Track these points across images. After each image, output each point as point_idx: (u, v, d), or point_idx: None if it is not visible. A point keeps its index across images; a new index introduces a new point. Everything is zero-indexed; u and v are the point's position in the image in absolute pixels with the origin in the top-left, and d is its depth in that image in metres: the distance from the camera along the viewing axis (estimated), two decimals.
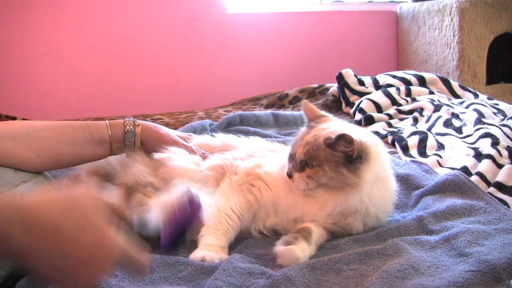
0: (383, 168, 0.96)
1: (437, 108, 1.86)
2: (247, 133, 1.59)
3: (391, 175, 1.00)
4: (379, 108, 2.00)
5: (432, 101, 1.94)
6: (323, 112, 1.02)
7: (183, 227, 0.80)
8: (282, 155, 1.01)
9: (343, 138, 0.86)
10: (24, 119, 1.85)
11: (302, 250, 0.84)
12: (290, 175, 0.92)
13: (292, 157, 0.93)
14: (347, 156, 0.88)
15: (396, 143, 1.59)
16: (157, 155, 1.06)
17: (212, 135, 1.24)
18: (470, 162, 1.33)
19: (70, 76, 2.85)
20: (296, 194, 0.91)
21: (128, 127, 1.07)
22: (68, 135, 1.03)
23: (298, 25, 3.27)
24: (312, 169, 0.89)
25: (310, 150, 0.90)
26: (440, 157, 1.42)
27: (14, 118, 2.06)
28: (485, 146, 1.37)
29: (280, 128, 1.77)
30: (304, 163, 0.90)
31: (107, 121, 1.09)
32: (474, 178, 1.22)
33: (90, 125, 1.06)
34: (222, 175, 1.01)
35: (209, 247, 0.86)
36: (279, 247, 0.84)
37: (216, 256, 0.85)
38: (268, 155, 1.05)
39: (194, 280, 0.80)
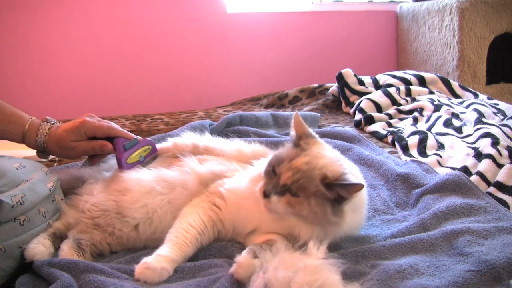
0: (361, 195, 0.91)
1: (437, 108, 1.86)
2: (247, 133, 1.59)
3: (364, 195, 0.96)
4: (379, 108, 2.00)
5: (432, 101, 1.94)
6: (311, 131, 0.95)
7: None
8: (252, 169, 0.97)
9: (354, 187, 0.82)
10: None
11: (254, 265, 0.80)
12: (267, 195, 0.85)
13: (271, 175, 0.87)
14: (338, 197, 0.84)
15: (396, 143, 1.59)
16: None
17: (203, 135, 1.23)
18: (470, 162, 1.33)
19: (70, 76, 2.85)
20: (265, 211, 0.86)
21: (39, 137, 1.06)
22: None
23: (298, 25, 3.26)
24: (295, 198, 0.83)
25: (301, 179, 0.83)
26: (440, 156, 1.42)
27: None
28: (485, 146, 1.37)
29: (280, 128, 1.77)
30: (287, 189, 0.84)
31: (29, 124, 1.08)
32: (474, 178, 1.23)
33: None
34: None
35: (159, 257, 0.84)
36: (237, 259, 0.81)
37: (158, 266, 0.81)
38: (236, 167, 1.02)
39: None
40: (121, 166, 1.05)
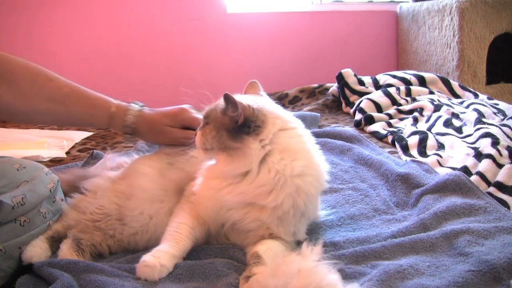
0: (293, 139, 0.90)
1: (437, 108, 1.86)
2: None
3: (310, 151, 0.92)
4: (379, 108, 2.00)
5: (432, 101, 1.94)
6: (262, 92, 1.03)
7: None
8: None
9: (229, 101, 0.86)
10: None
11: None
12: (196, 134, 0.94)
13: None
14: (233, 123, 0.87)
15: (396, 143, 1.59)
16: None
17: None
18: (470, 162, 1.33)
19: (69, 76, 2.83)
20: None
21: (129, 117, 1.05)
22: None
23: (298, 25, 3.26)
24: (206, 126, 0.91)
25: (210, 110, 0.92)
26: (440, 156, 1.43)
27: None
28: (485, 145, 1.37)
29: None
30: (204, 123, 0.92)
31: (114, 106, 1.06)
32: (474, 178, 1.22)
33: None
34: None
35: (159, 253, 0.84)
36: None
37: (157, 262, 0.82)
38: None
39: None
40: None
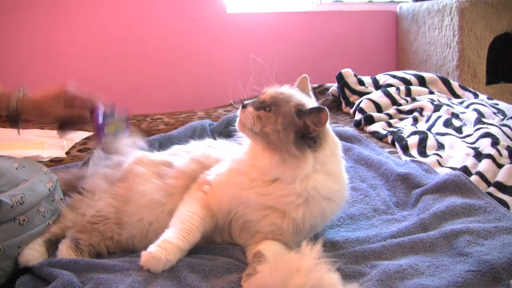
0: (336, 165, 0.93)
1: (437, 108, 1.86)
2: None
3: (344, 179, 0.95)
4: (379, 108, 2.00)
5: (432, 101, 1.94)
6: (310, 93, 1.02)
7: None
8: (235, 151, 0.98)
9: (319, 113, 0.85)
10: None
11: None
12: (244, 106, 0.91)
13: (254, 102, 0.93)
14: (304, 130, 0.86)
15: (396, 143, 1.59)
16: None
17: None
18: (470, 162, 1.33)
19: (71, 76, 2.84)
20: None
21: (12, 102, 1.05)
22: None
23: (298, 25, 3.26)
24: (267, 112, 0.88)
25: (279, 98, 0.89)
26: (440, 156, 1.42)
27: None
28: (485, 145, 1.37)
29: None
30: (264, 107, 0.89)
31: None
32: (474, 178, 1.22)
33: None
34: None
35: (166, 244, 0.83)
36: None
37: (164, 255, 0.82)
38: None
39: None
40: (99, 137, 1.08)
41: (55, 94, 1.06)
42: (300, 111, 0.86)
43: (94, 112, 1.10)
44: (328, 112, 0.85)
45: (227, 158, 0.97)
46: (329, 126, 0.92)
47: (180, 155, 1.06)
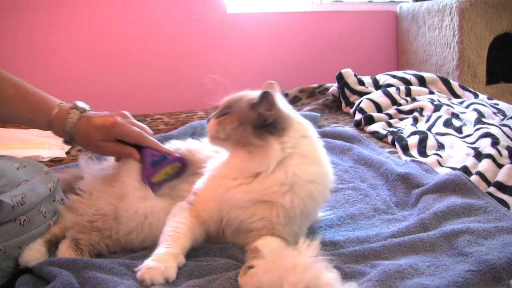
0: (310, 147, 0.92)
1: (437, 108, 1.86)
2: None
3: (323, 160, 0.94)
4: (379, 108, 2.00)
5: (432, 101, 1.94)
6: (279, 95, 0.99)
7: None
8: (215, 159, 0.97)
9: (266, 97, 0.86)
10: None
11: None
12: (208, 121, 0.94)
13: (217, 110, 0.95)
14: (261, 120, 0.87)
15: (396, 143, 1.59)
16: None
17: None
18: (470, 162, 1.33)
19: (70, 76, 2.85)
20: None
21: (67, 126, 1.00)
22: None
23: (298, 25, 3.26)
24: (225, 115, 0.91)
25: (233, 100, 0.92)
26: (440, 156, 1.42)
27: None
28: (485, 145, 1.37)
29: None
30: (222, 114, 0.92)
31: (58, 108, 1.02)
32: (474, 178, 1.22)
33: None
34: None
35: (159, 256, 0.82)
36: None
37: (161, 265, 0.80)
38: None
39: None
40: (145, 184, 0.99)
41: (106, 127, 1.00)
42: (252, 104, 0.88)
43: (144, 155, 1.01)
44: (273, 93, 0.86)
45: (207, 168, 0.97)
46: (289, 109, 0.93)
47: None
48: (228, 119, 0.90)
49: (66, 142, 1.05)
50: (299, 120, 0.94)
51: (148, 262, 0.80)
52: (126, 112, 1.05)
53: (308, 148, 0.91)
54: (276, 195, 0.87)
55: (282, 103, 0.92)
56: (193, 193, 0.95)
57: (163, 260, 0.81)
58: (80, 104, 1.04)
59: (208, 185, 0.93)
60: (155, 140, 1.04)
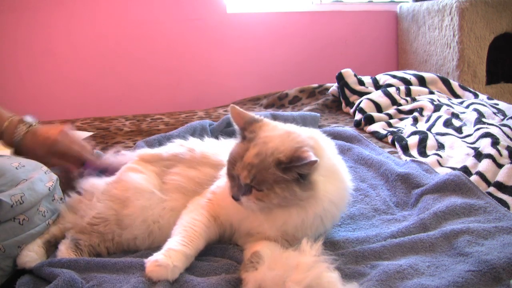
0: (328, 159, 0.88)
1: (437, 108, 1.86)
2: None
3: (339, 162, 0.93)
4: (379, 108, 2.00)
5: (432, 101, 1.94)
6: (254, 115, 0.91)
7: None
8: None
9: (310, 164, 0.78)
10: None
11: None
12: (236, 199, 0.83)
13: (233, 177, 0.84)
14: (301, 175, 0.80)
15: (396, 143, 1.59)
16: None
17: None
18: (470, 162, 1.33)
19: (70, 76, 2.85)
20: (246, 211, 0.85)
21: (16, 138, 1.08)
22: None
23: (298, 25, 3.26)
24: (261, 192, 0.81)
25: (257, 174, 0.80)
26: (440, 156, 1.42)
27: None
28: (485, 145, 1.37)
29: None
30: (251, 186, 0.81)
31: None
32: (474, 178, 1.22)
33: None
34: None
35: (171, 252, 0.80)
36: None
37: (170, 261, 0.78)
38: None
39: None
40: None
41: (46, 145, 1.09)
42: (285, 168, 0.79)
43: (87, 169, 1.12)
44: (301, 155, 0.79)
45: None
46: (316, 138, 0.88)
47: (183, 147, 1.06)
48: (271, 195, 0.81)
49: (15, 153, 1.11)
50: (315, 138, 0.88)
51: (158, 257, 0.79)
52: (67, 129, 1.13)
53: (330, 163, 0.88)
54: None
55: (308, 137, 0.85)
56: (210, 190, 0.94)
57: (173, 258, 0.79)
58: (28, 118, 1.12)
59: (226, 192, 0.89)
60: (92, 157, 1.15)
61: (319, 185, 0.83)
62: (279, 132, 0.85)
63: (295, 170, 0.79)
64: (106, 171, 1.11)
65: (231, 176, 0.84)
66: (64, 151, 1.11)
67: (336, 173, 0.90)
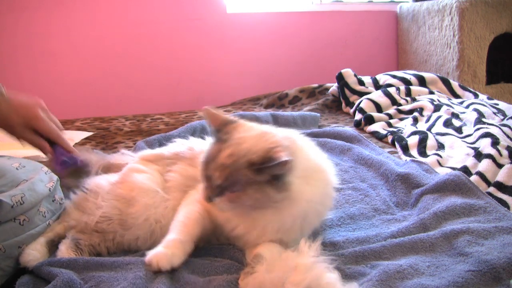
0: (306, 159, 0.85)
1: (437, 108, 1.86)
2: None
3: (321, 160, 0.90)
4: (379, 108, 2.00)
5: (432, 101, 1.94)
6: (229, 116, 0.89)
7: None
8: None
9: (283, 164, 0.76)
10: None
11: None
12: (211, 200, 0.82)
13: (206, 177, 0.82)
14: (276, 176, 0.78)
15: (396, 143, 1.59)
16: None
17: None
18: (470, 162, 1.33)
19: (70, 76, 2.85)
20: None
21: None
22: None
23: (298, 25, 3.26)
24: (233, 193, 0.79)
25: (229, 175, 0.78)
26: (440, 156, 1.42)
27: None
28: (485, 145, 1.37)
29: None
30: (223, 187, 0.80)
31: None
32: (474, 178, 1.22)
33: None
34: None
35: (168, 242, 0.82)
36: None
37: (169, 251, 0.81)
38: None
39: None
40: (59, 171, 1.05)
41: (27, 118, 1.01)
42: (258, 169, 0.77)
43: (56, 153, 1.05)
44: (272, 155, 0.76)
45: None
46: (290, 138, 0.85)
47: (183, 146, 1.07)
48: (243, 197, 0.79)
49: None
50: (291, 138, 0.85)
51: (157, 249, 0.82)
52: (43, 103, 1.05)
53: (309, 164, 0.86)
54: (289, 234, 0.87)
55: (284, 138, 0.83)
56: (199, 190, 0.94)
57: (171, 246, 0.82)
58: None
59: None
60: (68, 142, 1.08)
61: (295, 187, 0.80)
62: (254, 133, 0.83)
63: (267, 171, 0.77)
64: (75, 162, 1.06)
65: (204, 177, 0.83)
66: (44, 129, 1.02)
67: (316, 172, 0.88)
